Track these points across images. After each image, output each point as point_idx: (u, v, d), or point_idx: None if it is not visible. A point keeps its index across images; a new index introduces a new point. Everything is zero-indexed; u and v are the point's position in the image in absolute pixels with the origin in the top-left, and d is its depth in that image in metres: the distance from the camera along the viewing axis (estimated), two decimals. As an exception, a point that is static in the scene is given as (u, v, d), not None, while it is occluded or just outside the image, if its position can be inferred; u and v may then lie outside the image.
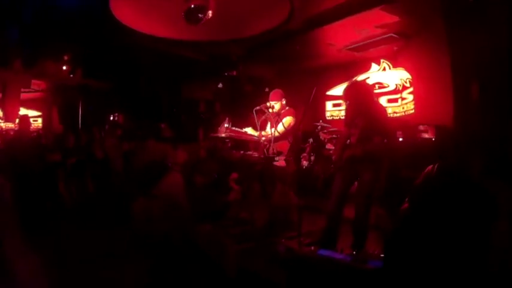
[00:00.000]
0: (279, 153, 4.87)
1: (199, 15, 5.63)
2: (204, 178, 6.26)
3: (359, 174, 4.04)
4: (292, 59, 9.44)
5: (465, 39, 4.38)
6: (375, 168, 4.01)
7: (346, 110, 4.68)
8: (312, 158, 7.88)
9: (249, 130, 5.03)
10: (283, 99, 5.05)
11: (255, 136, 4.98)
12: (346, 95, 4.44)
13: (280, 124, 4.83)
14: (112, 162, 7.96)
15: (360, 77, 9.04)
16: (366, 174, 3.98)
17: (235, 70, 10.73)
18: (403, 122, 7.57)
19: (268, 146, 4.84)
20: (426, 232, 2.09)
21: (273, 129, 4.80)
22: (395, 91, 8.41)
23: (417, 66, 7.45)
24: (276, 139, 4.80)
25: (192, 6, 5.57)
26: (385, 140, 3.93)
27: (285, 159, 4.88)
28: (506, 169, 3.53)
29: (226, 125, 4.87)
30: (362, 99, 4.17)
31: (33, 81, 10.70)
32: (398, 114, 8.32)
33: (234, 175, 6.08)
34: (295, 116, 4.98)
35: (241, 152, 5.28)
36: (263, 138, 4.96)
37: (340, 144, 4.39)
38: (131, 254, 4.40)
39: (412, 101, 7.79)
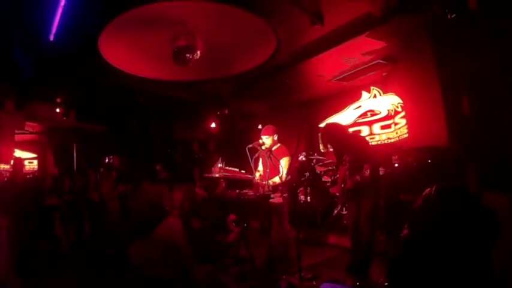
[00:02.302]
0: (274, 190, 4.86)
1: (187, 55, 5.70)
2: (201, 221, 6.19)
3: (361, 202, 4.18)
4: (282, 93, 9.49)
5: (452, 54, 4.43)
6: (372, 194, 4.13)
7: (334, 152, 4.86)
8: (308, 191, 7.80)
9: (257, 176, 5.06)
10: (275, 135, 5.10)
11: (250, 175, 5.01)
12: (324, 141, 4.75)
13: (281, 168, 4.86)
14: (108, 205, 7.87)
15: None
16: (365, 201, 4.12)
17: (226, 108, 10.79)
18: (397, 147, 7.56)
19: (263, 183, 4.85)
20: (429, 257, 2.01)
21: (268, 170, 4.83)
22: (388, 117, 8.43)
23: (407, 89, 7.49)
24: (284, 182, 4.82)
25: (180, 46, 5.64)
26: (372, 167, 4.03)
27: (281, 196, 4.85)
28: (504, 181, 3.50)
29: (219, 165, 4.88)
30: (338, 139, 4.52)
31: (27, 123, 10.71)
32: (392, 140, 8.29)
33: (232, 217, 6.01)
34: (289, 154, 5.04)
35: (237, 191, 5.24)
36: (259, 178, 4.98)
37: (340, 182, 4.61)
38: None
39: (405, 125, 7.79)
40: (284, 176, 4.90)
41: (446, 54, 4.66)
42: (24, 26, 5.51)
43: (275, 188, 4.91)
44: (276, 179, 4.97)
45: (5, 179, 8.02)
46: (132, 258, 4.53)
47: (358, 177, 4.02)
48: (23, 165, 7.54)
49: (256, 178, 5.03)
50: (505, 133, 3.86)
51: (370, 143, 5.17)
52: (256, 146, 5.03)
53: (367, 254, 4.05)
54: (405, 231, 2.33)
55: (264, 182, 4.92)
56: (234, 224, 6.48)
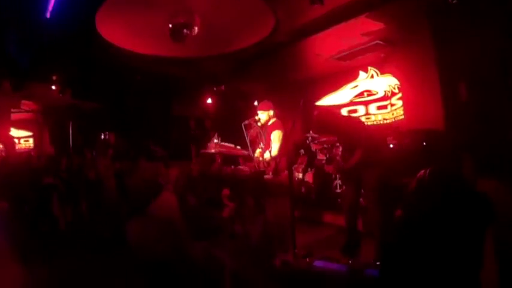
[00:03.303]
0: (270, 167, 4.86)
1: (185, 31, 5.64)
2: (196, 197, 6.23)
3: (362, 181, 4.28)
4: (280, 71, 9.45)
5: (451, 40, 4.42)
6: (375, 173, 4.19)
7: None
8: (304, 168, 7.87)
9: (257, 153, 5.04)
10: (270, 110, 5.05)
11: (245, 151, 4.99)
12: (317, 128, 4.78)
13: (274, 146, 4.85)
14: (104, 183, 7.88)
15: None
16: (369, 178, 4.20)
17: (223, 85, 10.74)
18: (393, 128, 7.59)
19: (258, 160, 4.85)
20: (422, 238, 2.05)
21: (262, 144, 4.81)
22: (384, 98, 8.44)
23: (405, 71, 7.50)
24: (276, 156, 4.81)
25: (178, 23, 5.58)
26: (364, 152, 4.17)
27: (277, 172, 4.87)
28: (499, 168, 3.55)
29: (215, 141, 4.86)
30: (329, 125, 4.56)
31: (23, 101, 10.66)
32: (388, 121, 8.33)
33: (226, 191, 6.05)
34: (282, 128, 4.98)
35: (232, 167, 5.25)
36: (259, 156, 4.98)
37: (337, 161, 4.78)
38: (127, 275, 4.34)
39: (401, 106, 7.82)
40: (275, 150, 4.86)
41: (445, 38, 4.65)
42: (20, 4, 5.42)
43: (270, 164, 4.90)
44: (266, 155, 4.91)
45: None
46: (129, 236, 4.58)
47: (345, 164, 4.24)
48: (14, 144, 7.48)
49: (256, 155, 5.00)
50: (501, 120, 3.89)
51: (365, 125, 5.19)
52: (252, 122, 4.99)
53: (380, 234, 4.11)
54: (399, 212, 2.37)
55: (260, 159, 4.90)
56: (228, 199, 6.53)
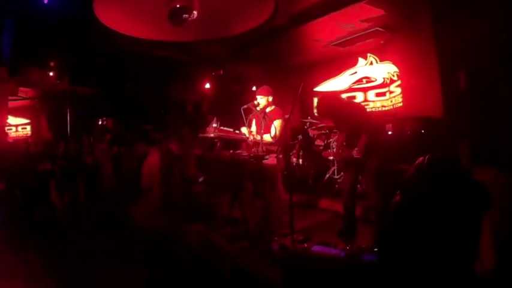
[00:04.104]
0: (268, 151, 4.86)
1: (184, 15, 5.59)
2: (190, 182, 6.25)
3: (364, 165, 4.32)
4: (278, 56, 9.39)
5: (451, 28, 4.40)
6: (376, 158, 4.26)
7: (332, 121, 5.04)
8: (301, 154, 7.88)
9: (244, 130, 5.01)
10: (270, 96, 5.04)
11: (245, 135, 4.97)
12: (320, 113, 4.81)
13: (273, 128, 4.83)
14: (102, 167, 7.89)
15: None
16: (371, 164, 4.25)
17: (221, 70, 10.68)
18: (391, 116, 7.61)
19: (256, 144, 4.84)
20: (419, 224, 2.08)
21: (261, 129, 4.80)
22: (383, 85, 8.44)
23: (404, 59, 7.46)
24: (273, 143, 4.82)
25: (177, 6, 5.52)
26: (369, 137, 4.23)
27: (275, 157, 4.87)
28: (496, 156, 3.57)
29: (214, 125, 4.84)
30: (334, 110, 4.58)
31: (20, 88, 10.60)
32: (386, 108, 8.35)
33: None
34: (283, 116, 4.99)
35: (231, 151, 5.25)
36: (252, 137, 4.95)
37: (338, 147, 4.85)
38: (124, 258, 4.39)
39: (400, 94, 7.82)
40: (274, 135, 4.86)
41: (445, 26, 4.62)
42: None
43: (269, 149, 4.90)
44: (267, 137, 4.90)
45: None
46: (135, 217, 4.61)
47: (354, 152, 4.24)
48: (5, 134, 7.45)
49: (247, 136, 5.00)
50: (500, 109, 3.90)
51: (367, 111, 5.22)
52: (251, 106, 4.97)
53: (380, 219, 4.17)
54: (397, 198, 2.39)
55: (257, 138, 4.88)
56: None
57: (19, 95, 11.15)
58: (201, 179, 6.68)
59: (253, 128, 5.18)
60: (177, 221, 4.63)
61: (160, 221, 4.43)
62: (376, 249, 2.79)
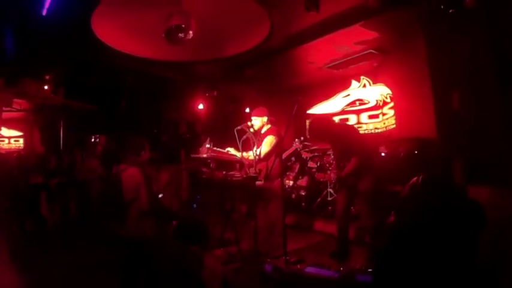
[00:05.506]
0: (261, 173, 4.83)
1: (180, 35, 5.62)
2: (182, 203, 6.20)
3: (356, 187, 4.37)
4: (273, 78, 9.47)
5: (444, 50, 4.47)
6: (369, 179, 4.32)
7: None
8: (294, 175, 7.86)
9: (232, 150, 4.98)
10: (264, 117, 5.01)
11: (237, 156, 4.95)
12: (312, 136, 4.88)
13: (262, 145, 4.80)
14: (91, 183, 7.84)
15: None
16: (363, 185, 4.31)
17: (215, 90, 10.72)
18: (384, 137, 7.64)
19: (250, 165, 4.81)
20: (415, 244, 2.06)
21: (254, 149, 4.74)
22: (376, 107, 8.50)
23: (397, 80, 7.55)
24: (262, 159, 4.78)
25: (173, 26, 5.56)
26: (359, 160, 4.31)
27: (268, 178, 4.83)
28: (490, 176, 3.59)
29: (207, 146, 4.83)
30: (325, 133, 4.70)
31: (15, 100, 10.55)
32: (379, 130, 8.38)
33: None
34: (277, 134, 4.93)
35: (224, 172, 5.22)
36: (246, 157, 4.93)
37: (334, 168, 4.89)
38: (113, 269, 4.32)
39: (393, 116, 7.88)
40: (262, 152, 4.77)
41: (438, 48, 4.71)
42: (17, 0, 5.38)
43: (261, 170, 4.85)
44: (251, 155, 4.77)
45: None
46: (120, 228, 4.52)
47: (341, 173, 4.35)
48: None
49: (244, 159, 4.95)
50: (493, 129, 3.95)
51: (359, 133, 5.24)
52: (244, 128, 4.92)
53: (374, 240, 4.18)
54: (391, 218, 2.38)
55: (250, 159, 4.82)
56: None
57: (13, 106, 11.08)
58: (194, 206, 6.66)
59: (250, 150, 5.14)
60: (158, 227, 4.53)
61: (143, 227, 4.32)
62: (370, 270, 2.76)
